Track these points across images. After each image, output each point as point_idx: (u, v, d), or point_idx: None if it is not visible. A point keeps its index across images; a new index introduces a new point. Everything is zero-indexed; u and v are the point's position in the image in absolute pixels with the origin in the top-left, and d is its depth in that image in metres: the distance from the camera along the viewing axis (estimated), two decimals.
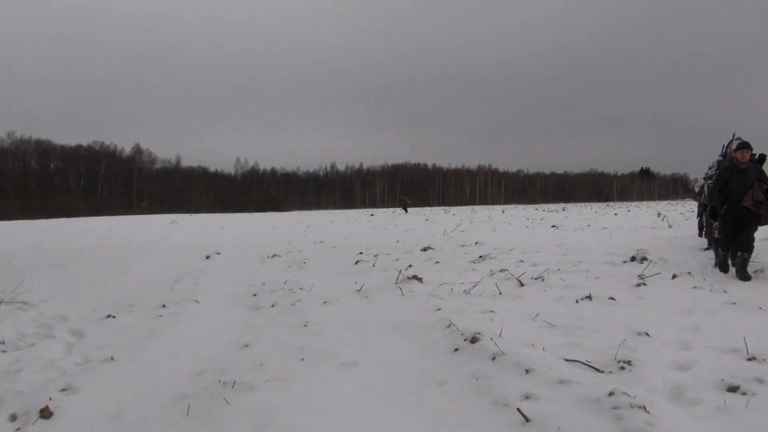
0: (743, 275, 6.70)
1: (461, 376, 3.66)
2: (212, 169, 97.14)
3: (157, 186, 78.48)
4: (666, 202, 76.04)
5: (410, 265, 8.67)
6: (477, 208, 57.99)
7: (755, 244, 6.95)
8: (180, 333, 5.22)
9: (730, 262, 7.21)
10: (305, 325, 5.23)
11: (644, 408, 2.82)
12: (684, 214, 28.76)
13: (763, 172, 6.96)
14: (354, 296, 6.57)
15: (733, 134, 7.73)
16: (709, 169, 8.75)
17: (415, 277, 7.16)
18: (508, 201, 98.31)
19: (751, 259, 6.91)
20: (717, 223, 7.49)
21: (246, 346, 4.64)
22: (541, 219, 27.02)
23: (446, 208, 60.80)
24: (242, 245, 14.06)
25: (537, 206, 60.92)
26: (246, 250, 12.54)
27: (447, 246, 12.16)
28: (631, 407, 2.82)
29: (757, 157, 7.11)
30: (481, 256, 9.41)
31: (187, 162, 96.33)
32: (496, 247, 11.63)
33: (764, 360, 3.68)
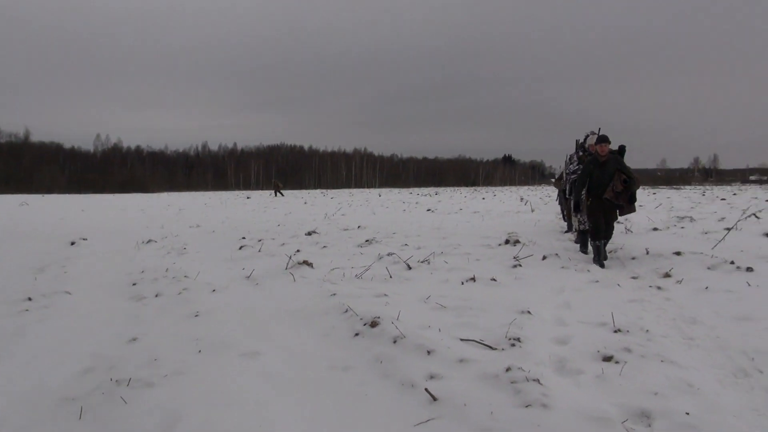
0: (599, 261, 7.21)
1: (365, 361, 3.75)
2: (68, 145, 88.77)
3: (1, 163, 70.06)
4: (526, 187, 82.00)
5: (298, 250, 8.62)
6: (354, 191, 58.60)
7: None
8: (54, 328, 4.79)
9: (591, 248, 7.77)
10: (196, 315, 5.03)
11: (538, 381, 3.09)
12: (543, 198, 31.23)
13: (622, 163, 7.35)
14: (244, 283, 6.42)
15: (589, 131, 8.50)
16: (571, 164, 9.30)
17: (305, 262, 7.14)
18: (383, 184, 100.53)
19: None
20: (581, 217, 8.16)
21: (134, 339, 4.37)
22: (416, 203, 27.97)
23: (324, 191, 60.74)
24: (110, 230, 13.08)
25: (411, 190, 62.87)
26: (116, 235, 11.69)
27: (331, 230, 12.23)
28: (527, 380, 3.09)
29: (617, 148, 7.54)
30: (367, 240, 9.60)
31: (37, 137, 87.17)
32: (378, 231, 11.90)
33: (628, 332, 4.18)
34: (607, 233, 7.33)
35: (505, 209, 21.35)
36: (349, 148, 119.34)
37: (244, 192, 57.81)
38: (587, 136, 8.75)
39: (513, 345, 3.84)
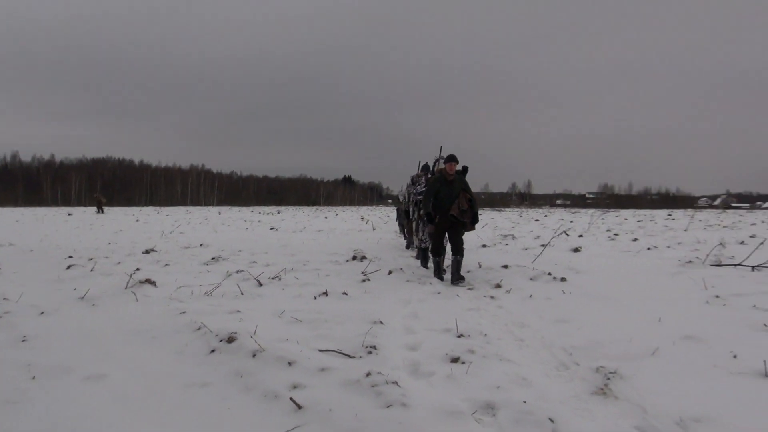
0: (458, 278, 7.21)
1: (224, 376, 3.68)
2: None
3: None
4: (365, 207, 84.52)
5: (138, 269, 8.08)
6: (191, 208, 55.83)
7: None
8: None
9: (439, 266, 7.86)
10: (23, 340, 4.52)
11: (396, 383, 3.30)
12: (382, 218, 32.53)
13: (466, 183, 7.69)
14: (78, 304, 5.87)
15: (439, 156, 8.84)
16: (418, 185, 9.74)
17: (148, 280, 6.73)
18: (222, 203, 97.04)
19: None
20: (422, 235, 8.65)
21: None
22: (259, 221, 27.53)
23: (157, 208, 56.98)
24: None
25: (252, 208, 61.52)
26: None
27: (171, 248, 11.62)
28: (387, 383, 3.28)
29: (461, 168, 7.81)
30: (213, 258, 9.30)
31: None
32: (223, 248, 11.57)
33: (469, 336, 4.60)
34: (459, 249, 7.43)
35: (348, 228, 21.89)
36: (185, 164, 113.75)
37: (64, 208, 52.20)
38: (436, 160, 9.02)
39: (370, 353, 4.04)
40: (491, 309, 5.79)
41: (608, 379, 3.54)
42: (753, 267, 8.28)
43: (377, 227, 22.18)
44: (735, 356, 3.96)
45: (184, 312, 5.31)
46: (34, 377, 3.64)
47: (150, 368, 3.91)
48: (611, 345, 4.31)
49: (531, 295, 6.33)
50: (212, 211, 47.72)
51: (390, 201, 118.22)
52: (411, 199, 10.23)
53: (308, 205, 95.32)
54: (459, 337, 4.59)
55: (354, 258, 9.41)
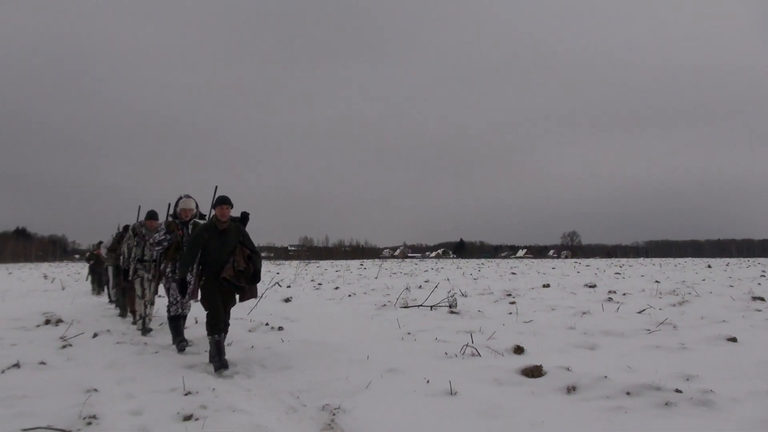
0: (222, 363, 5.35)
1: None
2: None
3: None
4: (46, 263, 73.25)
5: None
6: None
7: None
8: None
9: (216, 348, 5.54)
10: None
11: None
12: (71, 275, 28.81)
13: (246, 234, 5.94)
14: None
15: (183, 194, 6.93)
16: (157, 232, 6.95)
17: None
18: None
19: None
20: (180, 298, 6.62)
21: None
22: None
23: None
24: None
25: None
26: None
27: None
28: None
29: (240, 215, 6.23)
30: None
31: None
32: None
33: (197, 392, 4.53)
34: (225, 323, 5.74)
35: (29, 288, 18.86)
36: None
37: None
38: (180, 198, 6.91)
39: (89, 423, 3.68)
40: (204, 362, 5.75)
41: (334, 414, 3.92)
42: (431, 307, 9.94)
43: (67, 286, 19.53)
44: (428, 381, 4.77)
45: None
46: None
47: None
48: (332, 384, 4.75)
49: (252, 346, 6.49)
50: None
51: (77, 256, 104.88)
52: (133, 255, 8.08)
53: None
54: (186, 394, 4.48)
55: (47, 322, 8.21)
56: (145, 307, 7.82)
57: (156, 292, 7.99)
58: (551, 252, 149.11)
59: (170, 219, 6.99)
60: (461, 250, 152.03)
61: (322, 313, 9.84)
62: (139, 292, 7.96)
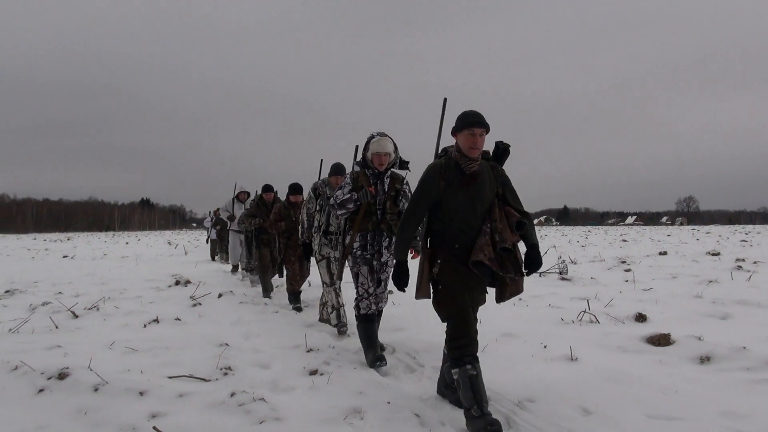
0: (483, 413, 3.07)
1: (64, 415, 3.32)
2: None
3: None
4: (168, 231, 79.42)
5: None
6: None
7: None
8: None
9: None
10: None
11: (263, 399, 3.31)
12: (191, 242, 31.03)
13: (509, 183, 3.38)
14: None
15: (375, 132, 4.55)
16: (340, 189, 4.61)
17: None
18: None
19: None
20: (375, 287, 4.60)
21: None
22: (46, 249, 24.45)
23: None
24: None
25: (34, 235, 54.08)
26: None
27: None
28: (254, 401, 3.27)
29: (495, 149, 3.39)
30: (7, 291, 8.11)
31: None
32: (12, 280, 10.13)
33: (319, 350, 4.73)
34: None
35: (157, 253, 20.53)
36: None
37: None
38: (370, 138, 4.51)
39: (226, 374, 3.96)
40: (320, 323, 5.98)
41: None
42: (540, 273, 9.68)
43: (189, 251, 21.11)
44: (545, 346, 4.67)
45: None
46: None
47: None
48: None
49: None
50: None
51: (194, 225, 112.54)
52: (316, 224, 5.73)
53: (101, 231, 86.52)
54: (309, 351, 4.70)
55: (177, 283, 8.92)
56: (337, 295, 5.72)
57: (341, 276, 5.27)
58: (664, 219, 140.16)
59: (357, 169, 4.64)
60: (565, 217, 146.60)
61: None
62: (326, 278, 5.72)
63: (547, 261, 11.21)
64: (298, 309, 6.97)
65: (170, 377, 3.91)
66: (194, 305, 6.99)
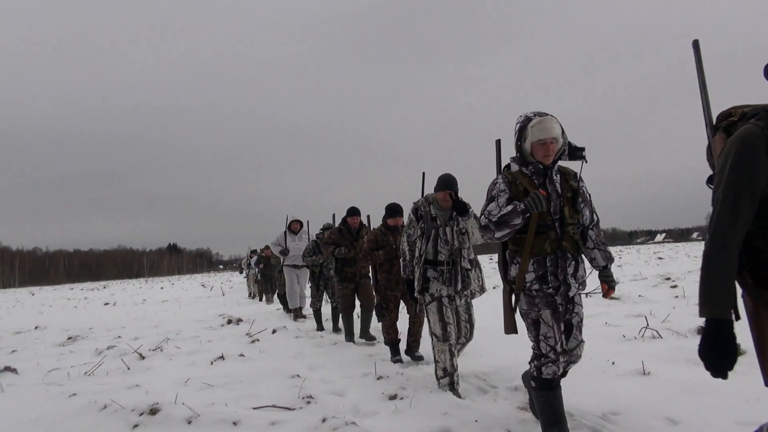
0: None
1: None
2: None
3: None
4: (198, 274, 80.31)
5: None
6: None
7: None
8: None
9: None
10: None
11: (354, 423, 3.43)
12: (224, 283, 31.40)
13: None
14: None
15: (532, 113, 3.32)
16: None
17: (7, 368, 5.91)
18: (26, 283, 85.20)
19: None
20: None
21: None
22: (85, 298, 24.99)
23: None
24: None
25: (71, 286, 55.19)
26: None
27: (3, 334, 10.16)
28: (347, 424, 3.39)
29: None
30: (69, 338, 8.37)
31: None
32: (68, 328, 10.43)
33: (388, 377, 4.83)
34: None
35: (195, 295, 20.86)
36: None
37: None
38: (527, 121, 3.15)
39: (308, 402, 4.08)
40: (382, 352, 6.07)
41: (527, 394, 4.02)
42: (587, 294, 9.65)
43: (225, 292, 21.41)
44: (613, 363, 4.71)
45: (74, 394, 4.80)
46: None
47: None
48: (514, 368, 4.81)
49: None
50: (20, 293, 41.88)
51: (221, 267, 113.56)
52: (418, 253, 4.57)
53: (131, 278, 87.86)
54: (379, 378, 4.80)
55: (229, 322, 9.12)
56: (452, 355, 4.33)
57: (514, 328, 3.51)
58: (695, 234, 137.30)
59: (514, 168, 3.31)
60: None
61: (487, 301, 9.94)
62: (437, 329, 4.36)
63: (591, 282, 11.18)
64: (400, 362, 5.61)
65: (255, 408, 4.04)
66: (252, 342, 7.14)
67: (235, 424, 3.65)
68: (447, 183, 4.51)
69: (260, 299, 15.55)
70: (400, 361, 5.66)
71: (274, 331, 7.91)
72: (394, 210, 5.89)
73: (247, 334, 7.71)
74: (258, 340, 7.22)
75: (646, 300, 8.55)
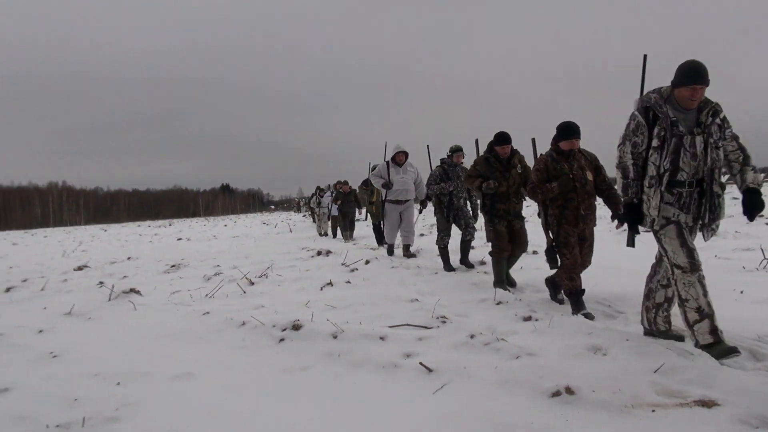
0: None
1: (319, 357, 3.64)
2: None
3: None
4: (252, 214, 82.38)
5: (102, 282, 7.46)
6: (56, 230, 50.84)
7: None
8: None
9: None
10: (54, 356, 4.12)
11: (504, 339, 3.52)
12: (284, 221, 32.15)
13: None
14: (70, 320, 5.29)
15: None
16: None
17: (132, 290, 6.30)
18: (90, 221, 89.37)
19: None
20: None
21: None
22: (156, 234, 26.08)
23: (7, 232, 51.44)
24: None
25: (138, 223, 57.62)
26: None
27: (104, 264, 10.78)
28: (497, 341, 3.49)
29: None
30: (173, 266, 8.83)
31: None
32: (162, 258, 10.96)
33: (507, 302, 4.90)
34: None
35: (263, 232, 21.49)
36: (42, 182, 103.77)
37: None
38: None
39: (444, 322, 4.19)
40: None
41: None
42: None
43: (293, 229, 21.97)
44: (741, 292, 4.63)
45: (207, 312, 5.10)
46: (118, 383, 3.40)
47: (228, 363, 3.77)
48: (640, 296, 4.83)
49: (521, 267, 6.78)
50: (91, 229, 44.06)
51: (273, 207, 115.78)
52: (657, 163, 3.36)
53: (189, 217, 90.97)
54: (498, 304, 4.88)
55: (318, 254, 9.38)
56: (704, 291, 3.31)
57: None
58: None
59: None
60: None
61: None
62: (679, 258, 3.31)
63: None
64: (590, 316, 4.42)
65: (391, 326, 4.19)
66: (352, 270, 7.34)
67: (382, 339, 3.81)
68: (697, 73, 3.19)
69: (334, 236, 15.64)
70: (591, 316, 4.43)
71: (367, 262, 8.09)
72: (571, 130, 4.67)
73: (343, 264, 7.92)
74: (357, 269, 7.41)
75: (747, 235, 8.28)
